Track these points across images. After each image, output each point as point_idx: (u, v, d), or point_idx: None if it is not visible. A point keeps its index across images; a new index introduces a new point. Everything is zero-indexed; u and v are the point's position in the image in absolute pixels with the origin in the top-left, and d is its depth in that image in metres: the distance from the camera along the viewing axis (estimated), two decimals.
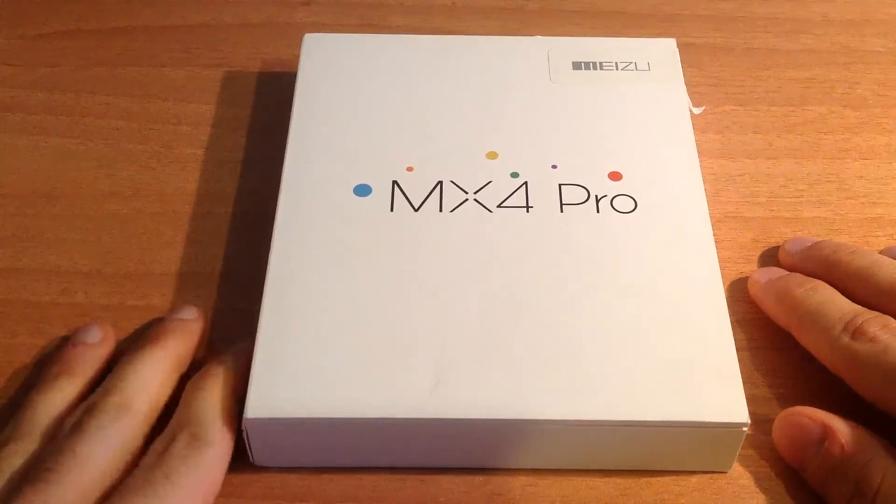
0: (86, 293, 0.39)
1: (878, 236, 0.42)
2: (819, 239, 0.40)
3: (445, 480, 0.34)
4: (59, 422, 0.33)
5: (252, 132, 0.45)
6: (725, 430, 0.32)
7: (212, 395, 0.33)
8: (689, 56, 0.47)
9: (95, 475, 0.30)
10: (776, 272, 0.39)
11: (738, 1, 0.52)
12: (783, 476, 0.34)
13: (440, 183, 0.39)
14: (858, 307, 0.35)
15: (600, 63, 0.44)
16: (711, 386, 0.33)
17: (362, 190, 0.39)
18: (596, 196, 0.38)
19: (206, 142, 0.45)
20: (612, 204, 0.38)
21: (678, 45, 0.45)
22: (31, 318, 0.38)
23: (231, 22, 0.51)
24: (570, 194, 0.38)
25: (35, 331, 0.38)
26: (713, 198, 0.42)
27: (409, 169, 0.39)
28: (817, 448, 0.33)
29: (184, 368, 0.35)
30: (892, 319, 0.34)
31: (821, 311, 0.35)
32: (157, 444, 0.32)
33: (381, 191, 0.38)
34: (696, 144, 0.41)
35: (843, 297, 0.36)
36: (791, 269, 0.39)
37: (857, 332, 0.34)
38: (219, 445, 0.32)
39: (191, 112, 0.46)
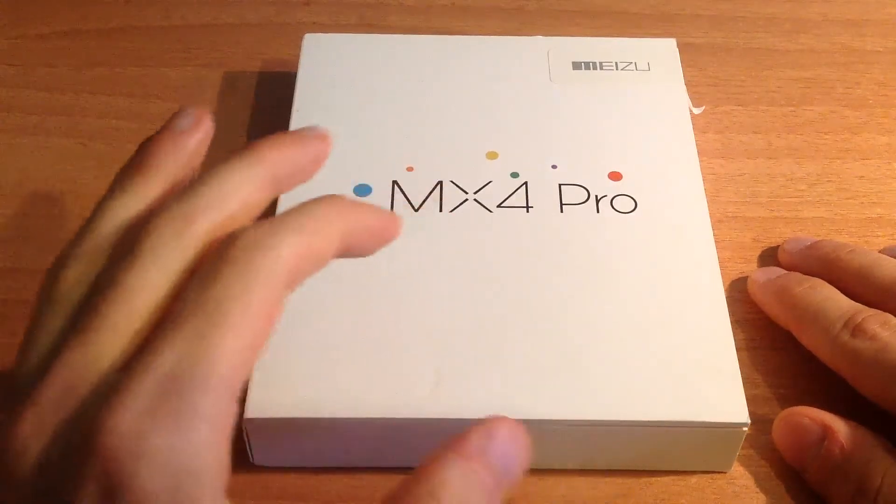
0: None
1: (878, 236, 0.42)
2: (818, 238, 0.40)
3: None
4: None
5: (252, 132, 0.45)
6: (725, 430, 0.32)
7: (321, 209, 0.27)
8: (689, 56, 0.47)
9: (150, 308, 0.24)
10: (775, 272, 0.39)
11: (738, 1, 0.52)
12: (783, 476, 0.34)
13: (440, 183, 0.39)
14: (858, 305, 0.35)
15: (600, 63, 0.44)
16: (711, 386, 0.33)
17: (362, 190, 0.39)
18: (596, 196, 0.38)
19: None
20: (612, 204, 0.38)
21: (678, 45, 0.45)
22: None
23: (231, 22, 0.51)
24: (570, 194, 0.38)
25: None
26: (713, 198, 0.42)
27: (409, 169, 0.39)
28: (818, 448, 0.33)
29: (283, 190, 0.29)
30: (892, 317, 0.34)
31: (820, 309, 0.35)
32: (223, 240, 0.25)
33: (381, 191, 0.38)
34: (696, 144, 0.41)
35: (843, 296, 0.36)
36: (790, 268, 0.39)
37: (857, 330, 0.34)
38: (291, 261, 0.25)
39: None
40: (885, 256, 0.38)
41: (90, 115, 0.46)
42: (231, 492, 0.34)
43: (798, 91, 0.48)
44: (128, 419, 0.22)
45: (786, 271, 0.39)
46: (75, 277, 0.26)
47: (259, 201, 0.28)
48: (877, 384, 0.33)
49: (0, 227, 0.42)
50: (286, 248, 0.25)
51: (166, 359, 0.23)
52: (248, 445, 0.33)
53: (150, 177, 0.28)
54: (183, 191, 0.27)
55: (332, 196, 0.28)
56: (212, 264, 0.25)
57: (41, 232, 0.41)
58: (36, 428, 0.23)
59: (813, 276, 0.37)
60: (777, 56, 0.50)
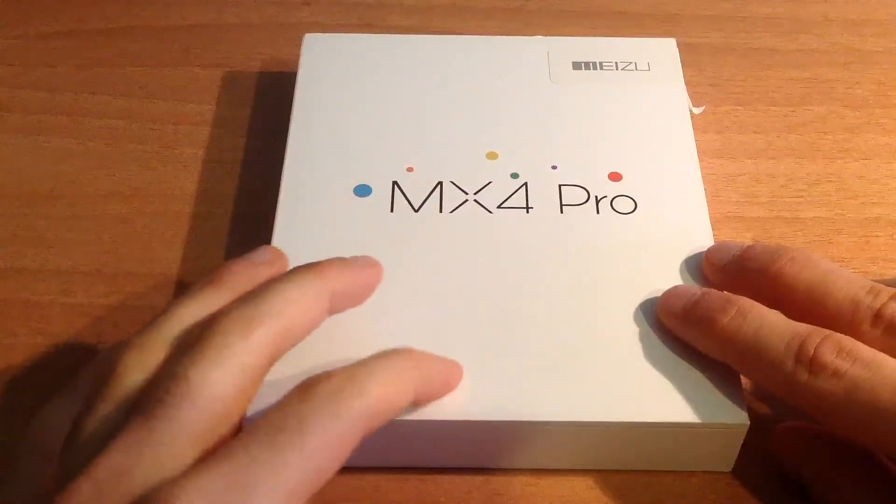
0: (86, 293, 0.39)
1: (878, 236, 0.42)
2: (747, 244, 0.35)
3: (445, 480, 0.34)
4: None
5: (252, 132, 0.45)
6: (726, 430, 0.32)
7: (394, 358, 0.28)
8: (689, 56, 0.47)
9: (213, 408, 0.26)
10: (686, 294, 0.33)
11: (738, 1, 0.53)
12: (783, 476, 0.34)
13: (440, 183, 0.39)
14: (798, 327, 0.31)
15: (600, 63, 0.44)
16: (711, 386, 0.33)
17: (362, 190, 0.39)
18: (596, 197, 0.38)
19: (206, 142, 0.45)
20: (611, 205, 0.38)
21: (678, 45, 0.45)
22: (31, 318, 0.38)
23: (231, 22, 0.51)
24: (570, 195, 0.38)
25: (35, 331, 0.38)
26: (713, 198, 0.42)
27: (410, 169, 0.39)
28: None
29: (337, 309, 0.31)
30: (844, 337, 0.30)
31: (760, 343, 0.31)
32: (308, 379, 0.26)
33: (381, 191, 0.38)
34: (696, 144, 0.41)
35: (776, 314, 0.31)
36: (720, 285, 0.34)
37: (814, 366, 0.29)
38: (375, 402, 0.26)
39: (191, 112, 0.46)
40: (834, 267, 0.33)
41: (90, 115, 0.46)
42: None
43: (798, 91, 0.48)
44: (196, 501, 0.23)
45: (699, 289, 0.34)
46: (135, 364, 0.27)
47: (317, 316, 0.29)
48: (852, 426, 0.30)
49: (0, 227, 0.41)
50: (374, 392, 0.27)
51: (243, 457, 0.24)
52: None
53: (222, 290, 0.30)
54: (248, 296, 0.28)
55: (408, 350, 0.30)
56: (300, 393, 0.26)
57: (41, 232, 0.41)
58: (91, 500, 0.24)
59: (747, 292, 0.33)
60: (777, 56, 0.50)
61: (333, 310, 0.31)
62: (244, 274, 0.31)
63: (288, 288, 0.29)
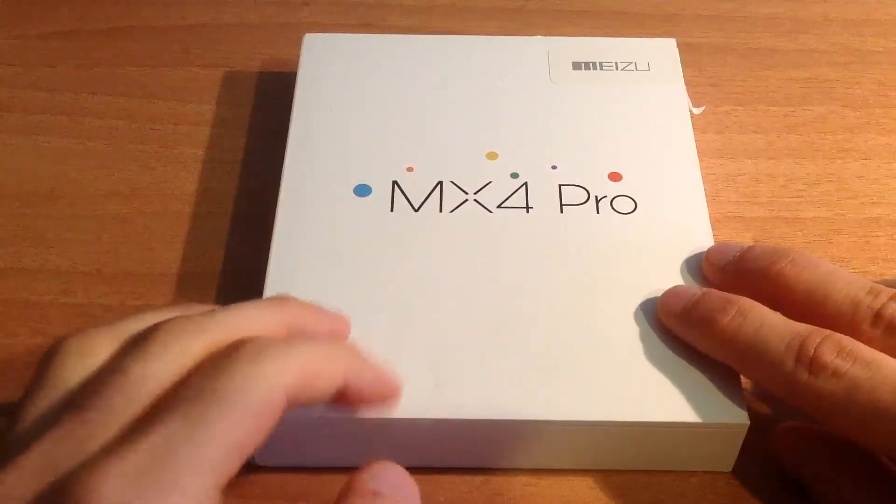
0: (86, 293, 0.39)
1: (878, 236, 0.42)
2: (747, 245, 0.35)
3: (445, 480, 0.34)
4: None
5: (252, 132, 0.45)
6: (726, 430, 0.32)
7: (333, 347, 0.28)
8: (689, 56, 0.47)
9: (148, 399, 0.25)
10: (686, 294, 0.34)
11: (738, 1, 0.53)
12: (783, 476, 0.34)
13: (440, 183, 0.39)
14: (798, 327, 0.31)
15: (600, 63, 0.44)
16: (711, 386, 0.33)
17: (362, 190, 0.39)
18: (596, 197, 0.38)
19: (206, 142, 0.45)
20: (612, 205, 0.38)
21: (678, 45, 0.45)
22: (31, 318, 0.38)
23: (231, 22, 0.51)
24: (570, 195, 0.38)
25: (35, 331, 0.38)
26: (713, 198, 0.42)
27: (409, 169, 0.39)
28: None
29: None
30: (844, 337, 0.30)
31: (761, 344, 0.31)
32: (227, 345, 0.26)
33: (381, 191, 0.39)
34: (696, 144, 0.41)
35: (776, 315, 0.31)
36: (721, 285, 0.34)
37: (814, 366, 0.30)
38: (296, 378, 0.25)
39: (191, 112, 0.46)
40: (834, 268, 0.33)
41: (90, 115, 0.46)
42: (231, 491, 0.34)
43: (798, 91, 0.48)
44: (111, 483, 0.22)
45: (697, 290, 0.34)
46: (79, 356, 0.26)
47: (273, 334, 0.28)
48: (853, 426, 0.30)
49: (0, 227, 0.41)
50: (293, 362, 0.26)
51: (159, 434, 0.23)
52: None
53: (189, 310, 0.28)
54: (203, 312, 0.28)
55: (344, 343, 0.30)
56: (218, 360, 0.25)
57: (41, 232, 0.41)
58: (16, 490, 0.23)
59: (746, 293, 0.33)
60: (777, 56, 0.50)
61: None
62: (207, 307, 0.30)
63: (242, 309, 0.28)
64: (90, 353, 0.26)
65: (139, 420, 0.24)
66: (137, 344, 0.26)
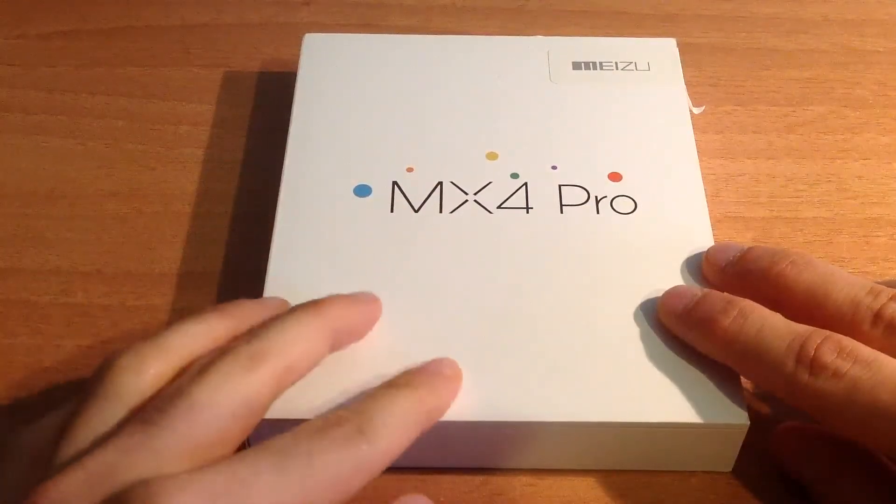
0: (86, 293, 0.39)
1: (878, 236, 0.42)
2: (747, 246, 0.35)
3: (445, 480, 0.34)
4: (191, 355, 0.29)
5: (252, 132, 0.45)
6: (726, 430, 0.32)
7: (403, 405, 0.29)
8: (689, 56, 0.47)
9: (211, 428, 0.26)
10: (688, 294, 0.34)
11: (738, 1, 0.53)
12: (783, 476, 0.34)
13: (440, 184, 0.39)
14: (799, 328, 0.31)
15: (600, 63, 0.44)
16: (712, 386, 0.33)
17: (362, 190, 0.39)
18: (596, 197, 0.38)
19: (206, 142, 0.45)
20: (611, 205, 0.38)
21: (678, 45, 0.45)
22: (31, 318, 0.38)
23: (231, 22, 0.51)
24: (570, 195, 0.38)
25: (35, 331, 0.38)
26: (713, 198, 0.42)
27: (410, 169, 0.39)
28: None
29: (338, 346, 0.32)
30: (844, 338, 0.30)
31: (761, 344, 0.31)
32: (319, 420, 0.27)
33: (381, 191, 0.39)
34: (696, 144, 0.41)
35: (777, 316, 0.32)
36: (720, 285, 0.35)
37: (815, 366, 0.30)
38: (380, 455, 0.27)
39: (191, 112, 0.46)
40: (834, 269, 0.33)
41: (90, 115, 0.46)
42: None
43: (798, 91, 0.48)
44: (191, 499, 0.24)
45: (698, 290, 0.34)
46: (132, 368, 0.28)
47: (319, 354, 0.31)
48: (853, 426, 0.30)
49: (0, 227, 0.41)
50: (384, 444, 0.28)
51: (240, 473, 0.25)
52: (249, 445, 0.33)
53: (226, 318, 0.31)
54: (255, 332, 0.29)
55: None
56: (314, 430, 0.27)
57: (41, 232, 0.41)
58: (80, 489, 0.25)
59: (746, 294, 0.33)
60: (777, 56, 0.50)
61: (335, 347, 0.32)
62: (252, 309, 0.32)
63: (292, 326, 0.30)
64: (142, 370, 0.28)
65: (210, 456, 0.26)
66: (200, 373, 0.27)
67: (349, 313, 0.32)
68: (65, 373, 0.37)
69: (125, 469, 0.25)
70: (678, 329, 0.34)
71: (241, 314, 0.31)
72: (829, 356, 0.30)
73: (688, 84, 0.43)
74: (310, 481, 0.26)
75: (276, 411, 0.30)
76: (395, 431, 0.28)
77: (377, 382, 0.32)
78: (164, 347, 0.29)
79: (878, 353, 0.30)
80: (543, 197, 0.38)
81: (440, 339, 0.34)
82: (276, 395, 0.29)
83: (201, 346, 0.30)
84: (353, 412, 0.28)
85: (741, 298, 0.32)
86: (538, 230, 0.37)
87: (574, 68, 0.44)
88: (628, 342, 0.34)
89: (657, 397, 0.32)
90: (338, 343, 0.32)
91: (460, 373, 0.32)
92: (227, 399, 0.27)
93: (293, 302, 0.34)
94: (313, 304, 0.31)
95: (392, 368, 0.33)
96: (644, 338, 0.34)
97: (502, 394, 0.32)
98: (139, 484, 0.24)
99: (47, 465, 0.26)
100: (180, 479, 0.24)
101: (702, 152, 0.41)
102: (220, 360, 0.28)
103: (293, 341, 0.29)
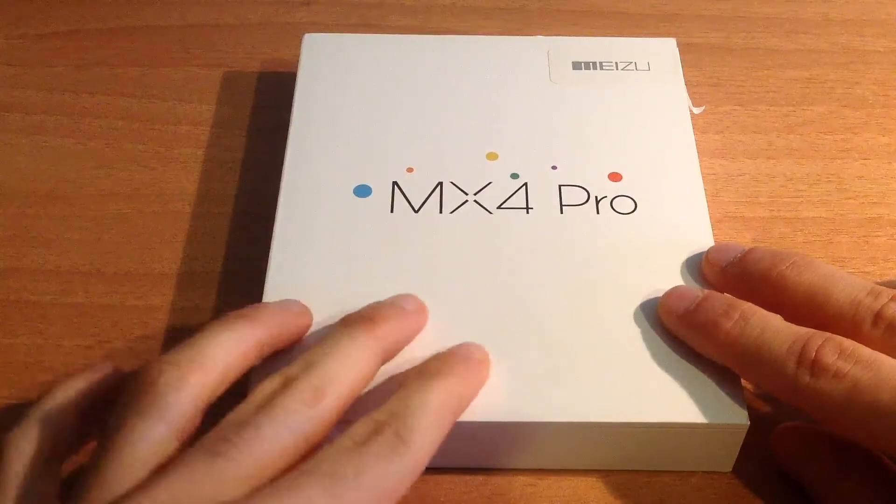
0: (86, 293, 0.39)
1: (878, 236, 0.42)
2: (748, 247, 0.35)
3: (445, 480, 0.34)
4: (225, 363, 0.30)
5: (252, 132, 0.45)
6: (726, 430, 0.32)
7: (437, 398, 0.29)
8: (689, 56, 0.47)
9: (275, 458, 0.27)
10: (689, 296, 0.34)
11: (738, 1, 0.53)
12: (783, 476, 0.34)
13: (440, 184, 0.39)
14: (799, 330, 0.31)
15: (600, 63, 0.44)
16: (712, 386, 0.33)
17: (362, 190, 0.39)
18: (596, 197, 0.38)
19: (206, 142, 0.45)
20: (611, 205, 0.38)
21: (678, 45, 0.45)
22: (31, 318, 0.38)
23: (231, 22, 0.51)
24: (570, 195, 0.38)
25: (35, 331, 0.38)
26: (713, 198, 0.42)
27: (410, 170, 0.39)
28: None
29: (390, 358, 0.32)
30: (845, 340, 0.30)
31: (763, 347, 0.31)
32: (359, 429, 0.28)
33: (382, 191, 0.38)
34: (696, 144, 0.41)
35: (777, 318, 0.32)
36: (720, 286, 0.35)
37: (816, 368, 0.30)
38: (421, 457, 0.28)
39: (191, 112, 0.46)
40: (835, 271, 0.33)
41: (90, 115, 0.46)
42: None
43: (798, 91, 0.48)
44: None
45: (698, 291, 0.34)
46: (175, 382, 0.28)
47: (373, 373, 0.31)
48: (854, 426, 0.30)
49: (0, 227, 0.42)
50: (420, 444, 0.28)
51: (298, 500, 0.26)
52: None
53: (256, 326, 0.31)
54: (312, 362, 0.30)
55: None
56: (358, 441, 0.27)
57: (41, 232, 0.41)
58: None
59: (746, 294, 0.33)
60: (777, 56, 0.50)
61: (385, 362, 0.32)
62: (278, 316, 0.33)
63: (349, 352, 0.30)
64: (182, 387, 0.28)
65: (265, 471, 0.27)
66: (267, 404, 0.28)
67: (400, 329, 0.33)
68: (65, 373, 0.37)
69: (188, 497, 0.26)
70: (679, 330, 0.34)
71: (269, 321, 0.32)
72: (829, 357, 0.30)
73: (688, 84, 0.43)
74: (362, 502, 0.26)
75: None
76: (432, 430, 0.28)
77: (377, 382, 0.32)
78: (200, 362, 0.29)
79: (879, 353, 0.30)
80: (543, 197, 0.38)
81: (440, 338, 0.34)
82: (335, 421, 0.29)
83: (234, 357, 0.30)
84: (390, 415, 0.28)
85: (742, 301, 0.33)
86: (538, 230, 0.37)
87: (574, 68, 0.44)
88: (628, 342, 0.34)
89: (657, 397, 0.32)
90: (388, 358, 0.32)
91: (488, 356, 0.32)
92: (289, 433, 0.27)
93: (295, 298, 0.34)
94: (366, 322, 0.31)
95: (392, 368, 0.33)
96: (644, 338, 0.34)
97: (502, 394, 0.32)
98: None
99: (86, 480, 0.27)
100: None
101: (702, 152, 0.41)
102: (283, 394, 0.28)
103: (351, 368, 0.30)
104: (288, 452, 0.27)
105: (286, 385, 0.29)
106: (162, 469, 0.27)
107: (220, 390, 0.29)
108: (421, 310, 0.34)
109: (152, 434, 0.27)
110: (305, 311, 0.34)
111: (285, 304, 0.34)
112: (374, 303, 0.33)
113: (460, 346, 0.32)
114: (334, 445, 0.27)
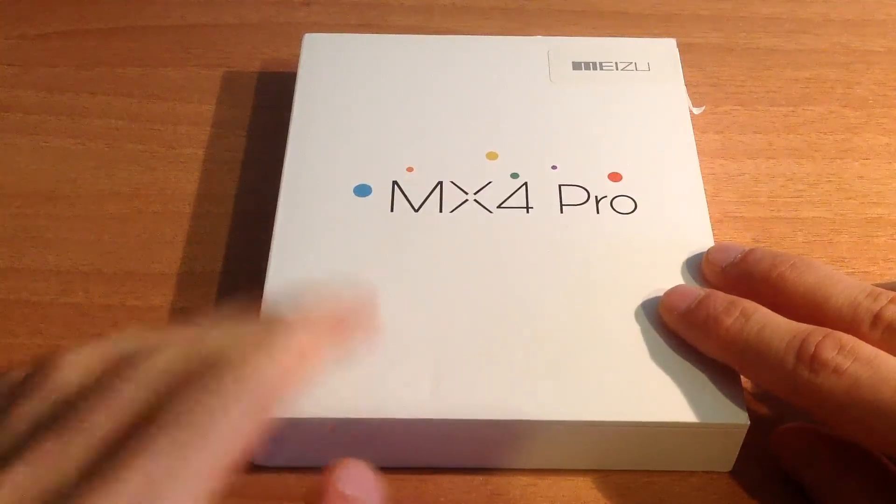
0: (86, 293, 0.39)
1: (878, 236, 0.42)
2: (748, 248, 0.35)
3: (445, 480, 0.34)
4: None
5: (252, 132, 0.45)
6: (726, 430, 0.32)
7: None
8: (689, 56, 0.47)
9: (131, 419, 0.24)
10: (690, 295, 0.34)
11: (738, 1, 0.52)
12: (783, 476, 0.34)
13: (440, 183, 0.39)
14: (799, 326, 0.31)
15: (600, 63, 0.44)
16: (712, 386, 0.33)
17: (362, 190, 0.39)
18: (596, 197, 0.38)
19: (206, 142, 0.45)
20: (611, 205, 0.38)
21: (678, 45, 0.45)
22: (31, 318, 0.38)
23: (231, 22, 0.51)
24: (570, 195, 0.38)
25: (35, 331, 0.38)
26: (713, 198, 0.42)
27: (410, 169, 0.39)
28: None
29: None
30: (844, 335, 0.30)
31: (762, 343, 0.31)
32: (202, 365, 0.24)
33: (382, 191, 0.39)
34: (696, 144, 0.41)
35: (777, 316, 0.32)
36: (720, 286, 0.35)
37: (815, 363, 0.30)
38: (281, 369, 0.24)
39: (191, 112, 0.46)
40: (834, 272, 0.33)
41: (90, 115, 0.46)
42: (232, 492, 0.34)
43: (798, 91, 0.48)
44: None
45: (701, 290, 0.34)
46: (68, 373, 0.25)
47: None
48: (854, 424, 0.30)
49: (0, 227, 0.42)
50: (270, 371, 0.25)
51: (145, 467, 0.22)
52: (270, 444, 0.33)
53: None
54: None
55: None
56: (194, 382, 0.24)
57: (41, 232, 0.41)
58: (26, 484, 0.23)
59: (746, 295, 0.33)
60: (777, 56, 0.50)
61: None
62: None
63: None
64: (76, 371, 0.25)
65: (123, 442, 0.23)
66: (128, 363, 0.25)
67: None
68: None
69: (43, 484, 0.23)
70: (679, 328, 0.34)
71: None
72: (829, 353, 0.30)
73: (688, 84, 0.43)
74: (211, 448, 0.23)
75: (289, 411, 0.30)
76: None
77: (377, 381, 0.33)
78: (104, 349, 0.26)
79: (879, 351, 0.30)
80: (543, 197, 0.38)
81: (440, 339, 0.34)
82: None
83: None
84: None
85: (743, 299, 0.33)
86: (538, 230, 0.37)
87: (574, 68, 0.44)
88: (628, 342, 0.34)
89: (657, 397, 0.32)
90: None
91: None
92: (142, 385, 0.24)
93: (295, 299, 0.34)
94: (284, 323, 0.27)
95: (392, 369, 0.33)
96: (644, 338, 0.34)
97: (502, 393, 0.32)
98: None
99: None
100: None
101: (702, 152, 0.41)
102: (157, 353, 0.25)
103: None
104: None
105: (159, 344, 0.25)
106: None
107: None
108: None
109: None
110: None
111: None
112: None
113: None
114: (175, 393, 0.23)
